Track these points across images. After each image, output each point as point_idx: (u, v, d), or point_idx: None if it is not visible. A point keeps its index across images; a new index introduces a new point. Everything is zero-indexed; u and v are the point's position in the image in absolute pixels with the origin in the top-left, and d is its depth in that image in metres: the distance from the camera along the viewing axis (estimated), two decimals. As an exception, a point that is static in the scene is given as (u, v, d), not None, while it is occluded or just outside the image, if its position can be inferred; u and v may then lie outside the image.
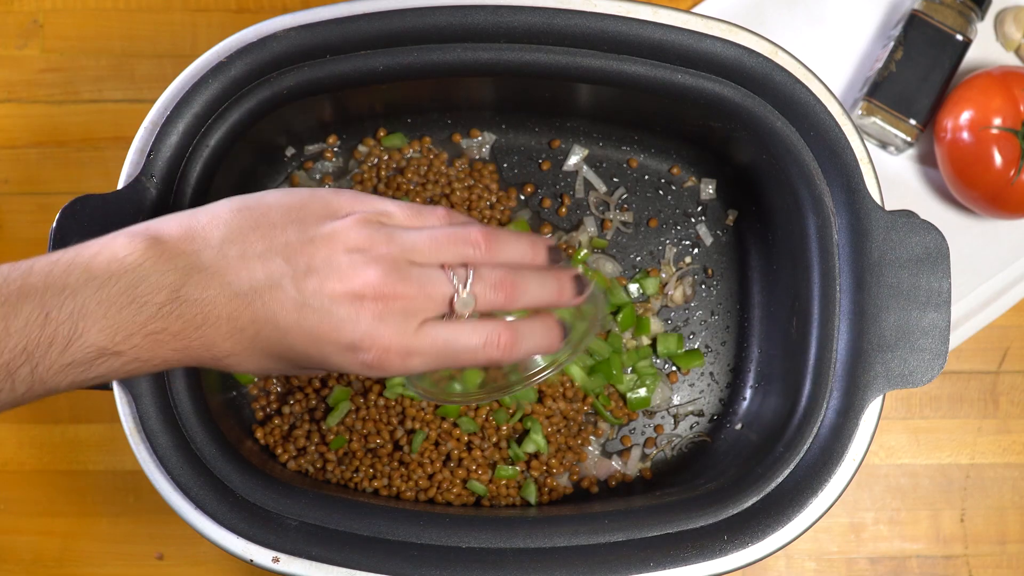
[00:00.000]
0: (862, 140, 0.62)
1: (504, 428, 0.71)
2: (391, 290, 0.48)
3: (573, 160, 0.75)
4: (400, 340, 0.49)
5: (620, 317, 0.73)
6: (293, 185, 0.73)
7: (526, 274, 0.52)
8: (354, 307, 0.48)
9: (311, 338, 0.49)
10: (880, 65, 0.76)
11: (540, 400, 0.71)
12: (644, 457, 0.73)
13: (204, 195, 0.63)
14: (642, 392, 0.72)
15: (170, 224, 0.49)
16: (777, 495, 0.61)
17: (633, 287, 0.74)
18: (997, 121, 0.72)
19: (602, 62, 0.64)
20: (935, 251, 0.61)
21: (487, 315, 0.51)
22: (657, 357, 0.74)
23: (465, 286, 0.50)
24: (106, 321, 0.46)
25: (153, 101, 0.62)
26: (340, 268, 0.48)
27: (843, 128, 0.62)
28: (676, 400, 0.74)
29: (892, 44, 0.76)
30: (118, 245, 0.47)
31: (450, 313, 0.50)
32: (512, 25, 0.63)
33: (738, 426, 0.72)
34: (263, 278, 0.48)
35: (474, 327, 0.50)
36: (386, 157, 0.74)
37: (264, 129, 0.66)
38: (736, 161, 0.72)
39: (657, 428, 0.73)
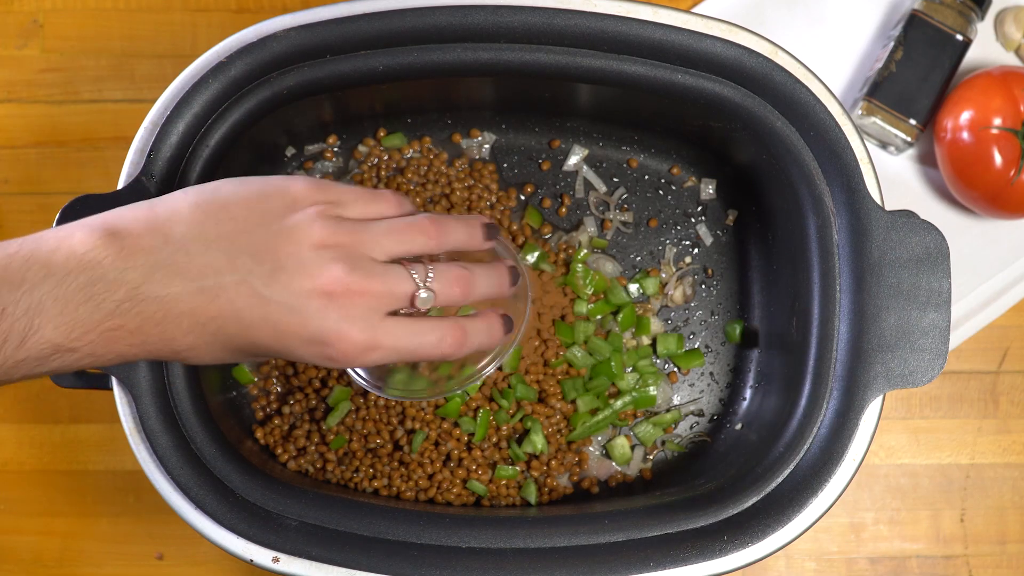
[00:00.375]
0: (862, 140, 0.62)
1: (504, 428, 0.71)
2: (357, 287, 0.50)
3: (573, 160, 0.75)
4: (364, 335, 0.50)
5: (620, 317, 0.73)
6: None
7: (476, 270, 0.54)
8: (322, 303, 0.49)
9: (276, 333, 0.50)
10: (880, 65, 0.76)
11: (541, 400, 0.71)
12: (644, 457, 0.73)
13: (204, 195, 0.62)
14: (651, 391, 0.72)
15: (128, 217, 0.49)
16: (777, 495, 0.61)
17: (633, 287, 0.74)
18: (997, 121, 0.72)
19: (602, 62, 0.64)
20: (935, 251, 0.61)
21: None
22: (657, 357, 0.74)
23: (425, 283, 0.52)
24: (62, 318, 0.46)
25: (153, 101, 0.62)
26: (307, 265, 0.49)
27: (843, 128, 0.62)
28: (676, 400, 0.74)
29: (892, 44, 0.76)
30: (76, 240, 0.47)
31: (409, 308, 0.52)
32: (512, 25, 0.63)
33: (738, 426, 0.72)
34: (228, 274, 0.49)
35: (432, 324, 0.52)
36: (386, 157, 0.74)
37: (264, 129, 0.66)
38: (736, 161, 0.72)
39: (667, 429, 0.73)
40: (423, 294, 0.52)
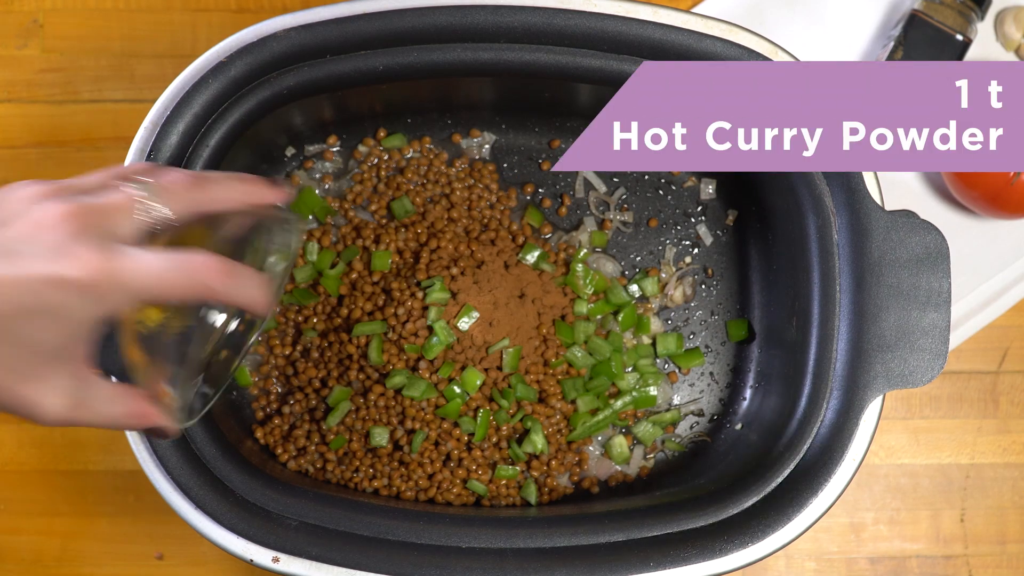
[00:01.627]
0: (862, 140, 0.62)
1: (504, 428, 0.71)
2: (75, 208, 0.46)
3: (573, 160, 0.75)
4: (97, 257, 0.45)
5: (620, 317, 0.73)
6: (292, 185, 0.73)
7: (208, 174, 0.51)
8: (44, 234, 0.45)
9: (10, 282, 0.45)
10: (880, 65, 0.76)
11: (541, 400, 0.71)
12: (644, 457, 0.73)
13: (204, 195, 0.62)
14: (652, 391, 0.72)
15: None
16: (777, 495, 0.61)
17: (633, 287, 0.74)
18: (997, 121, 0.72)
19: (602, 62, 0.64)
20: (935, 251, 0.61)
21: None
22: (657, 357, 0.74)
23: (144, 190, 0.48)
24: None
25: (153, 101, 0.62)
26: (23, 213, 0.46)
27: (843, 128, 0.62)
28: (676, 400, 0.74)
29: (892, 44, 0.76)
30: None
31: (146, 226, 0.48)
32: (512, 25, 0.63)
33: (738, 426, 0.72)
34: None
35: (179, 253, 0.47)
36: (386, 157, 0.74)
37: (264, 129, 0.66)
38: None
39: (667, 429, 0.73)
40: (142, 200, 0.48)
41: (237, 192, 0.51)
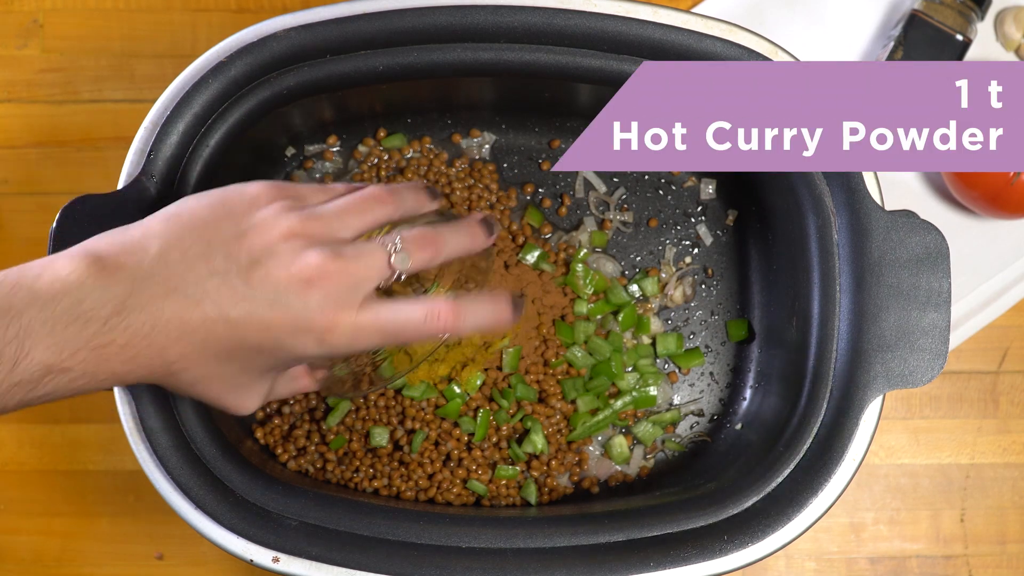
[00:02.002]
0: (862, 140, 0.62)
1: (504, 428, 0.71)
2: (333, 267, 0.50)
3: (573, 160, 0.74)
4: (348, 316, 0.51)
5: (620, 317, 0.73)
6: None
7: (441, 227, 0.55)
8: (301, 289, 0.50)
9: (262, 326, 0.50)
10: (880, 65, 0.76)
11: (541, 400, 0.71)
12: (644, 456, 0.73)
13: (204, 195, 0.62)
14: (652, 391, 0.72)
15: (105, 241, 0.50)
16: (777, 495, 0.61)
17: (633, 287, 0.74)
18: (997, 121, 0.72)
19: (602, 62, 0.64)
20: (935, 251, 0.61)
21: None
22: (657, 357, 0.74)
23: (395, 247, 0.52)
24: (52, 339, 0.47)
25: (153, 101, 0.62)
26: (282, 255, 0.50)
27: (843, 128, 0.62)
28: (676, 400, 0.74)
29: (892, 44, 0.76)
30: (59, 265, 0.48)
31: (390, 277, 0.52)
32: (512, 25, 0.63)
33: (738, 426, 0.72)
34: (207, 276, 0.49)
35: (416, 301, 0.52)
36: (386, 157, 0.74)
37: (264, 129, 0.66)
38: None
39: (667, 428, 0.73)
40: (396, 257, 0.52)
41: (465, 241, 0.56)
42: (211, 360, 0.51)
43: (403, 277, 0.53)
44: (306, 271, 0.50)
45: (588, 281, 0.72)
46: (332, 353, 0.52)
